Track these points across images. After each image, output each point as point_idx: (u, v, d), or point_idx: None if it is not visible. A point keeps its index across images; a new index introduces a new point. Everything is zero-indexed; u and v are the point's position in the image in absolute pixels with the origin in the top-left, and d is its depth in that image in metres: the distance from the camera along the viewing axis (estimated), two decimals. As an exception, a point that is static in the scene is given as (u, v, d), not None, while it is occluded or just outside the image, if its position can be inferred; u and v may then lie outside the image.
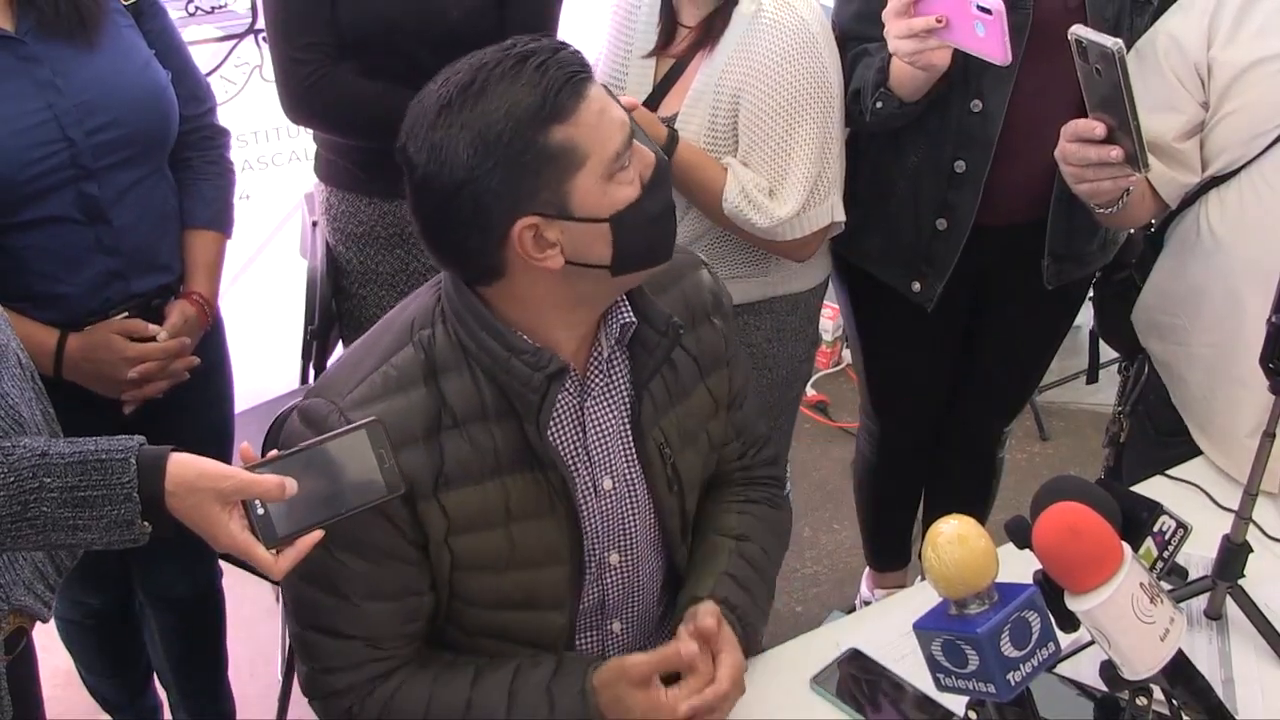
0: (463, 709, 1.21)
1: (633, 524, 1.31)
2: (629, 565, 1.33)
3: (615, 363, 1.25)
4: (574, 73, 1.08)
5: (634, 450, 1.28)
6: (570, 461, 1.24)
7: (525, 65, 1.07)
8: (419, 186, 1.11)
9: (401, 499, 1.16)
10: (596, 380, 1.24)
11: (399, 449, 1.14)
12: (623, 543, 1.31)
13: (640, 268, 1.17)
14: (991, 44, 1.46)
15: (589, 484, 1.26)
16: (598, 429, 1.25)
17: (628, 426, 1.27)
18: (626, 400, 1.26)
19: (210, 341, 1.75)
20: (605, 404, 1.26)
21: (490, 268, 1.13)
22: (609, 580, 1.32)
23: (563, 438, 1.24)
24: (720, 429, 1.37)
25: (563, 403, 1.23)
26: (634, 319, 1.22)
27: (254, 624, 2.45)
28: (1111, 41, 1.29)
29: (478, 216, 1.09)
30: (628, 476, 1.28)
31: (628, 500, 1.29)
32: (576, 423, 1.24)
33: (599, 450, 1.26)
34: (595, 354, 1.24)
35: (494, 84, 1.07)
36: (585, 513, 1.26)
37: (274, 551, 1.07)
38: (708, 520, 1.40)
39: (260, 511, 1.06)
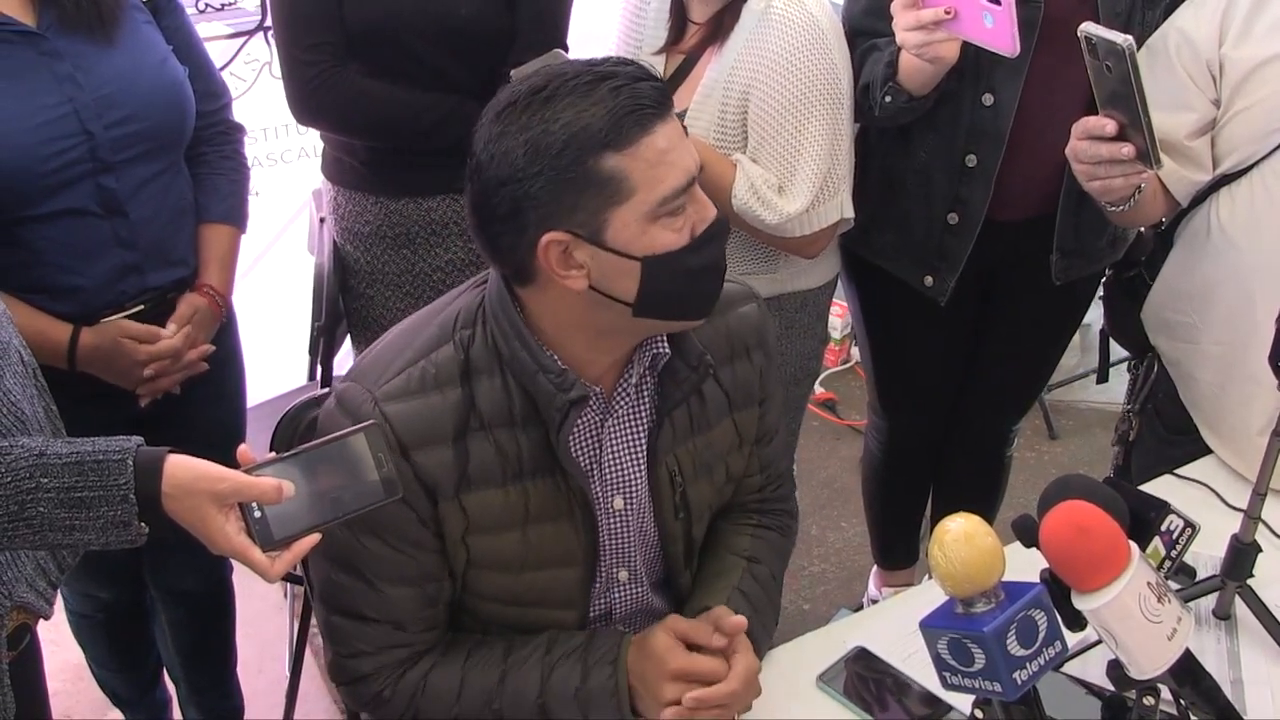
0: (496, 682, 1.22)
1: (642, 545, 1.32)
2: (636, 583, 1.34)
3: (643, 387, 1.26)
4: (645, 106, 1.07)
5: (646, 473, 1.28)
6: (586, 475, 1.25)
7: (600, 86, 1.06)
8: (472, 172, 1.12)
9: (424, 496, 1.17)
10: (622, 404, 1.25)
11: (427, 447, 1.16)
12: (632, 562, 1.32)
13: (665, 316, 1.17)
14: (1000, 35, 1.46)
15: (597, 498, 1.26)
16: (614, 449, 1.26)
17: (644, 450, 1.27)
18: (647, 424, 1.26)
19: (222, 336, 1.75)
20: (626, 426, 1.26)
21: (521, 269, 1.14)
22: (616, 595, 1.33)
23: (579, 452, 1.24)
24: (741, 463, 1.37)
25: (584, 419, 1.23)
26: (668, 350, 1.21)
27: (262, 620, 2.45)
28: (1121, 38, 1.29)
29: (513, 216, 1.09)
30: (638, 498, 1.29)
31: (637, 522, 1.30)
32: (594, 440, 1.25)
33: (612, 469, 1.26)
34: (625, 378, 1.24)
35: (563, 95, 1.06)
36: (602, 523, 1.27)
37: (271, 555, 1.06)
38: (720, 538, 1.40)
39: (257, 514, 1.05)
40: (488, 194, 1.10)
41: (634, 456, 1.27)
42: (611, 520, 1.28)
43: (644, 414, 1.26)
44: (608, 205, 1.08)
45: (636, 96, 1.06)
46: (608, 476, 1.26)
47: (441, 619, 1.27)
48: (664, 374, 1.23)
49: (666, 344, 1.21)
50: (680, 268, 1.12)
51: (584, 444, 1.24)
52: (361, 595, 1.22)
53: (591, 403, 1.22)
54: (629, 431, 1.26)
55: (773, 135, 1.70)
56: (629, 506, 1.28)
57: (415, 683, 1.24)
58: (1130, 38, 1.29)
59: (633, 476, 1.27)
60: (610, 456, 1.26)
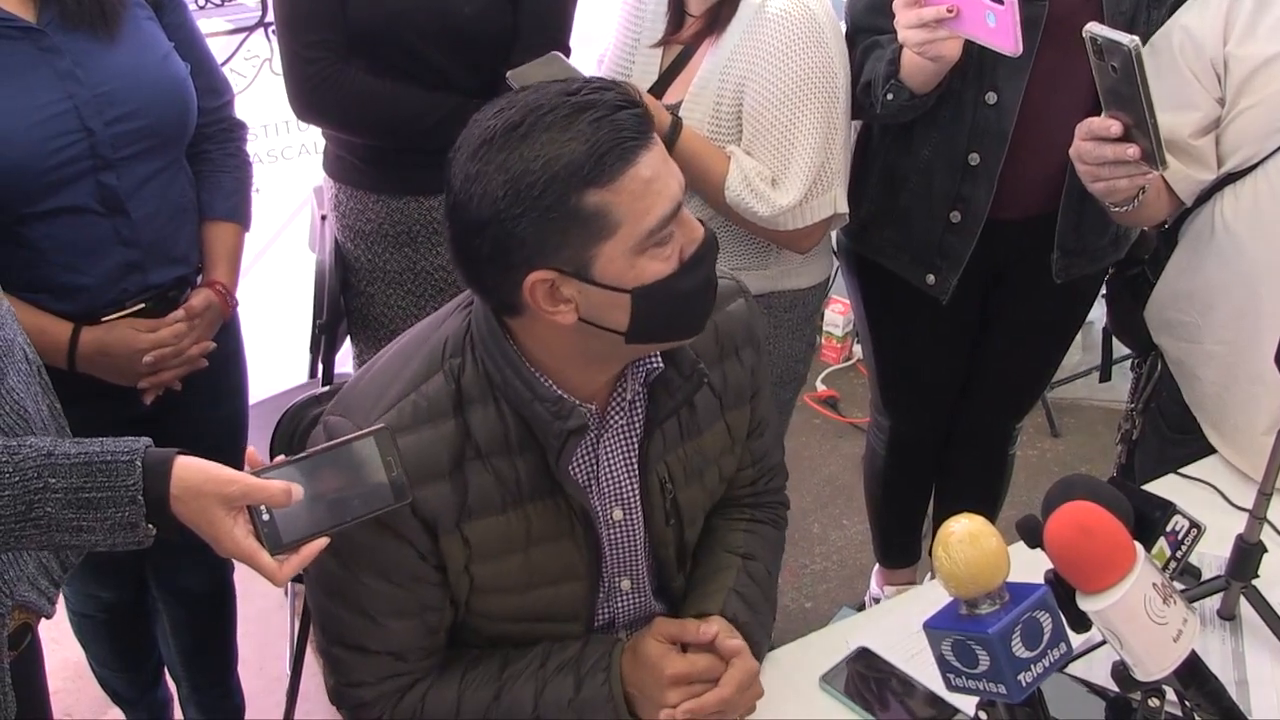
0: (492, 698, 1.22)
1: (640, 552, 1.32)
2: (639, 591, 1.34)
3: (636, 400, 1.24)
4: (627, 138, 1.03)
5: (639, 483, 1.27)
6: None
7: (579, 118, 1.02)
8: (450, 209, 1.08)
9: (424, 531, 1.16)
10: (616, 419, 1.24)
11: (424, 482, 1.14)
12: (633, 570, 1.32)
13: (657, 341, 1.15)
14: (1002, 35, 1.45)
15: (598, 514, 1.26)
16: (610, 463, 1.25)
17: (636, 460, 1.26)
18: (638, 435, 1.25)
19: (224, 334, 1.75)
20: (620, 439, 1.25)
21: (508, 304, 1.12)
22: (619, 604, 1.33)
23: (578, 471, 1.23)
24: (733, 463, 1.36)
25: (582, 441, 1.21)
26: (660, 364, 1.20)
27: (264, 619, 2.45)
28: (1128, 39, 1.28)
29: (497, 256, 1.06)
30: (633, 508, 1.28)
31: (634, 530, 1.30)
32: (591, 457, 1.24)
33: (609, 482, 1.26)
34: (619, 394, 1.23)
35: (540, 131, 1.02)
36: (603, 535, 1.26)
37: (278, 557, 1.05)
38: (714, 535, 1.39)
39: (265, 517, 1.04)
40: (469, 235, 1.06)
41: (628, 467, 1.26)
42: (612, 531, 1.27)
43: (636, 425, 1.25)
44: (594, 241, 1.05)
45: (617, 128, 1.02)
46: (605, 490, 1.25)
47: (441, 644, 1.26)
48: (656, 384, 1.21)
49: (659, 358, 1.20)
50: (672, 293, 1.09)
51: (582, 463, 1.23)
52: (363, 629, 1.20)
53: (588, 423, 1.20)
54: (623, 444, 1.25)
55: (767, 128, 1.70)
56: (627, 516, 1.28)
57: (413, 705, 1.23)
58: (1136, 39, 1.27)
59: (628, 488, 1.27)
60: (607, 471, 1.25)
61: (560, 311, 1.08)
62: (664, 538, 1.31)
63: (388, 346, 1.25)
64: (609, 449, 1.24)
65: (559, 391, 1.15)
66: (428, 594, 1.20)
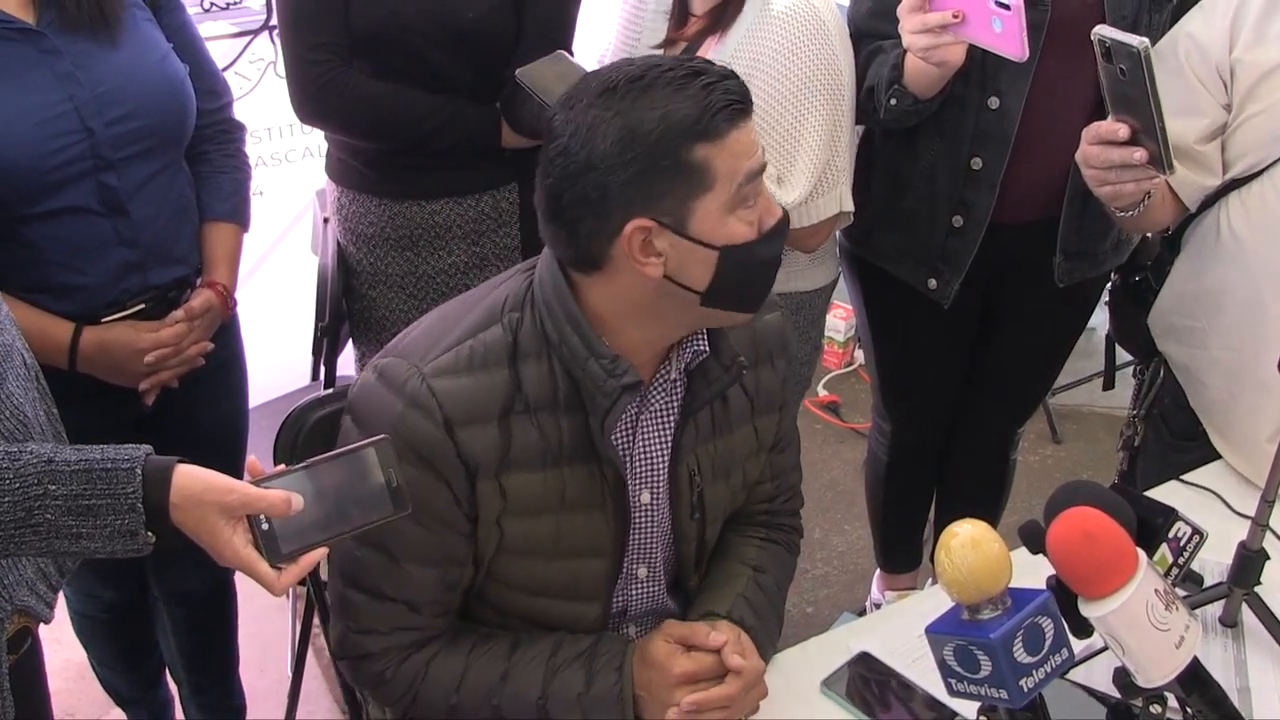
0: (498, 679, 1.23)
1: (661, 542, 1.33)
2: (654, 581, 1.34)
3: (676, 385, 1.26)
4: (735, 101, 1.10)
5: (669, 470, 1.28)
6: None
7: (694, 80, 1.09)
8: (553, 157, 1.12)
9: (464, 474, 1.17)
10: (657, 398, 1.25)
11: (472, 425, 1.16)
12: (652, 558, 1.32)
13: (728, 307, 1.17)
14: (1009, 40, 1.45)
15: (630, 492, 1.27)
16: (644, 443, 1.26)
17: (669, 446, 1.27)
18: (674, 419, 1.27)
19: (225, 336, 1.75)
20: (658, 420, 1.26)
21: (593, 256, 1.14)
22: (634, 592, 1.34)
23: (617, 441, 1.24)
24: (757, 468, 1.38)
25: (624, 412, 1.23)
26: (707, 348, 1.22)
27: (264, 619, 2.45)
28: (1137, 41, 1.27)
29: (599, 202, 1.10)
30: (660, 494, 1.29)
31: (659, 517, 1.31)
32: (629, 431, 1.25)
33: (642, 463, 1.27)
34: (663, 373, 1.24)
35: (661, 86, 1.08)
36: (631, 516, 1.27)
37: (277, 567, 1.05)
38: (728, 547, 1.41)
39: (265, 526, 1.04)
40: (575, 178, 1.10)
41: (661, 452, 1.27)
42: (639, 515, 1.28)
43: (673, 411, 1.27)
44: (694, 194, 1.10)
45: (728, 92, 1.09)
46: (638, 470, 1.27)
47: (454, 605, 1.28)
48: (695, 373, 1.24)
49: (706, 342, 1.22)
50: (751, 259, 1.14)
51: (620, 434, 1.25)
52: (383, 571, 1.22)
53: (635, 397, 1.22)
54: (659, 426, 1.27)
55: (771, 126, 1.69)
56: (654, 501, 1.29)
57: (418, 667, 1.24)
58: (1146, 40, 1.27)
59: (658, 472, 1.28)
60: (641, 450, 1.26)
61: (650, 264, 1.12)
62: (688, 532, 1.32)
63: (438, 308, 1.27)
64: (646, 428, 1.26)
65: (613, 351, 1.17)
66: (453, 544, 1.21)
